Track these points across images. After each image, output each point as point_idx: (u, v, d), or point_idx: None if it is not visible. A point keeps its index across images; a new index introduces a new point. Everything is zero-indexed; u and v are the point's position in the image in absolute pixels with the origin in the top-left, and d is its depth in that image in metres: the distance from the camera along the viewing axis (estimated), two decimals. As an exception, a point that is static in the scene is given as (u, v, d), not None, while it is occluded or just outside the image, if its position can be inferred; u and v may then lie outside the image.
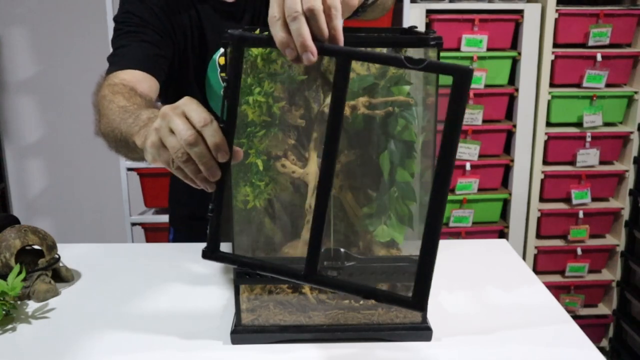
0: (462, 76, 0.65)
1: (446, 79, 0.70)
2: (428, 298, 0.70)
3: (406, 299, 0.72)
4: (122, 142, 0.94)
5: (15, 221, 1.20)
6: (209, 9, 1.26)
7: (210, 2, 1.26)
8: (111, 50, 1.21)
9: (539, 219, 2.52)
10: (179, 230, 1.50)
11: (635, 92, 2.42)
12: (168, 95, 1.27)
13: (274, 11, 0.71)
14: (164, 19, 1.22)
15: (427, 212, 0.69)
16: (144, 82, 1.13)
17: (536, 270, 2.54)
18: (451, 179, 0.69)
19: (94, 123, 1.05)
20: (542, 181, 2.48)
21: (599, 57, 2.36)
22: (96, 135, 1.05)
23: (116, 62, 1.16)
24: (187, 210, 1.47)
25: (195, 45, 1.26)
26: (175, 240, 1.51)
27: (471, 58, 2.33)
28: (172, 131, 0.74)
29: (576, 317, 2.33)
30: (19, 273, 1.03)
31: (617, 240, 2.56)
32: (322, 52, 0.70)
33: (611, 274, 2.61)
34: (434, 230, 0.69)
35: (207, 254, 0.78)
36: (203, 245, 0.78)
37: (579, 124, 2.45)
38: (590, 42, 2.36)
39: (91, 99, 1.09)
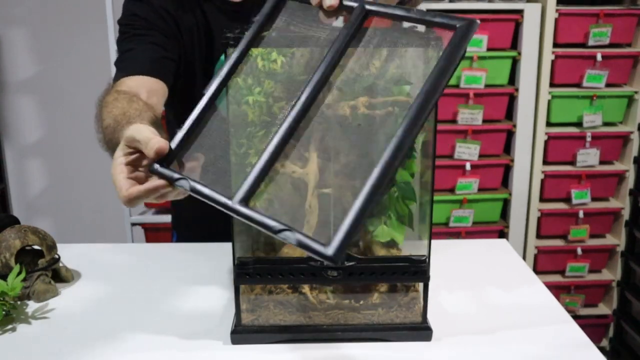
0: (468, 26, 0.71)
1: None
2: (345, 249, 0.62)
3: (319, 246, 0.63)
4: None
5: (15, 221, 1.20)
6: (215, 9, 1.25)
7: (216, 2, 1.25)
8: (114, 51, 1.20)
9: (539, 219, 2.52)
10: (182, 234, 1.50)
11: (635, 92, 2.42)
12: (175, 96, 1.26)
13: None
14: (170, 21, 1.22)
15: (387, 153, 0.64)
16: (150, 87, 1.12)
17: (536, 270, 2.54)
18: (422, 123, 0.65)
19: (97, 135, 1.05)
20: (542, 181, 2.48)
21: (599, 57, 2.36)
22: (100, 146, 1.04)
23: (123, 68, 1.16)
24: (189, 213, 1.47)
25: (202, 46, 1.25)
26: (178, 242, 1.51)
27: (471, 58, 2.33)
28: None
29: (576, 317, 2.33)
30: (19, 273, 1.03)
31: (617, 240, 2.56)
32: None
33: (611, 274, 2.61)
34: (385, 173, 0.63)
35: (152, 168, 0.77)
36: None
37: (579, 124, 2.44)
38: (590, 42, 2.36)
39: (95, 106, 1.08)
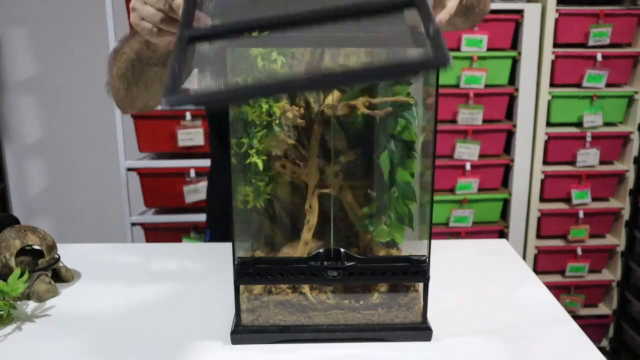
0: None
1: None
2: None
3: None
4: (135, 59, 0.99)
5: (15, 221, 1.20)
6: None
7: None
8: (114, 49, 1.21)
9: (539, 219, 2.52)
10: (215, 231, 1.50)
11: (635, 92, 2.42)
12: None
13: None
14: None
15: None
16: None
17: (536, 270, 2.54)
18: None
19: (107, 79, 1.08)
20: (542, 181, 2.48)
21: (599, 57, 2.36)
22: (107, 89, 1.06)
23: None
24: (224, 208, 1.47)
25: None
26: (211, 241, 1.51)
27: (471, 58, 2.33)
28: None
29: (576, 317, 2.33)
30: (21, 275, 1.03)
31: (617, 240, 2.56)
32: None
33: (611, 274, 2.61)
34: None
35: (171, 99, 0.58)
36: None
37: (579, 124, 2.45)
38: (590, 42, 2.36)
39: (107, 67, 1.10)
